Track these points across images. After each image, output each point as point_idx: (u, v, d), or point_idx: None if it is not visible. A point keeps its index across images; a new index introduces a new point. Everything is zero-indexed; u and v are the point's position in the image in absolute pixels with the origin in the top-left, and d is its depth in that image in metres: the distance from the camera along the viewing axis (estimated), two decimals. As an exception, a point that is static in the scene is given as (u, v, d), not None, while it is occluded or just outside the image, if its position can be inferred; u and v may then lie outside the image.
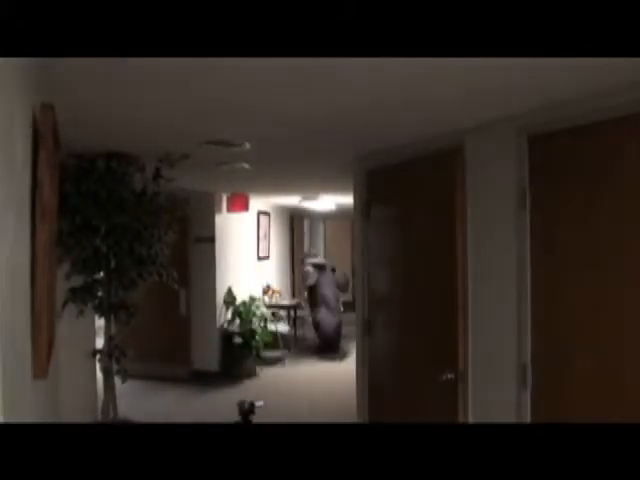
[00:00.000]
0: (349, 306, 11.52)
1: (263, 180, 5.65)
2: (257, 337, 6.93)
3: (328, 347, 8.34)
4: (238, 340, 6.83)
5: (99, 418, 3.95)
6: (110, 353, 3.81)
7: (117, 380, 3.86)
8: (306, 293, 9.51)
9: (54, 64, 1.78)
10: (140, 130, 3.07)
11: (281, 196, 7.94)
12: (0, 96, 1.09)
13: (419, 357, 3.27)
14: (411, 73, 1.99)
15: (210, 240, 6.87)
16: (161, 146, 3.46)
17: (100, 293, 3.75)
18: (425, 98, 2.39)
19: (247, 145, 3.38)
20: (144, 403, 5.72)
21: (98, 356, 3.91)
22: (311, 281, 8.94)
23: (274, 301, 8.51)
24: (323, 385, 6.70)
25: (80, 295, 3.62)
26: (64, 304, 3.51)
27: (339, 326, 8.40)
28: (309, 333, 9.28)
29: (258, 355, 7.00)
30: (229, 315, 7.15)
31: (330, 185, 6.11)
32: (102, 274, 3.74)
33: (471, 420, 2.87)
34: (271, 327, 7.51)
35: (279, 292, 8.91)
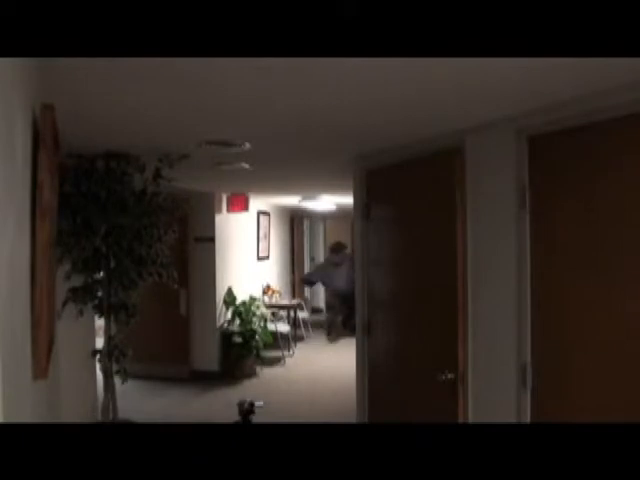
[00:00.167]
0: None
1: (263, 180, 5.65)
2: (257, 337, 6.93)
3: (349, 309, 8.87)
4: (238, 340, 6.83)
5: (99, 418, 3.95)
6: (110, 353, 3.81)
7: (117, 380, 3.86)
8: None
9: (54, 64, 1.78)
10: (140, 130, 3.07)
11: (281, 196, 7.95)
12: (0, 96, 1.09)
13: (419, 357, 3.27)
14: (411, 73, 1.99)
15: (210, 240, 6.87)
16: (161, 146, 3.45)
17: (100, 293, 3.75)
18: (425, 98, 2.39)
19: (247, 145, 3.38)
20: (144, 403, 5.72)
21: (98, 356, 3.91)
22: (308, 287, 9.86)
23: (274, 301, 8.52)
24: (323, 385, 6.70)
25: (80, 295, 3.61)
26: (64, 304, 3.50)
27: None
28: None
29: (258, 355, 7.00)
30: (229, 315, 7.15)
31: (330, 185, 6.11)
32: (102, 274, 3.74)
33: (471, 420, 2.87)
34: (271, 327, 7.51)
35: (279, 292, 8.92)
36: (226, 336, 6.95)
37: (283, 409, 5.28)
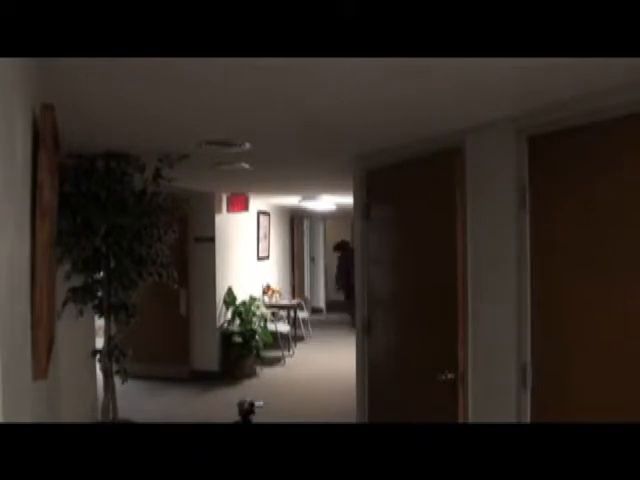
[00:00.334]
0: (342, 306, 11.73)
1: (263, 180, 5.65)
2: (257, 337, 6.93)
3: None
4: (238, 340, 6.83)
5: (99, 418, 3.95)
6: (110, 353, 3.81)
7: (117, 380, 3.86)
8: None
9: (54, 64, 1.78)
10: (140, 130, 3.07)
11: (281, 196, 7.95)
12: (0, 96, 1.09)
13: (419, 357, 3.27)
14: (411, 73, 1.99)
15: (210, 240, 6.87)
16: (161, 146, 3.45)
17: (100, 293, 3.75)
18: (425, 98, 2.39)
19: (247, 145, 3.38)
20: (144, 403, 5.72)
21: (98, 356, 3.91)
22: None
23: (274, 301, 8.52)
24: (323, 385, 6.70)
25: (80, 295, 3.61)
26: (64, 304, 3.50)
27: None
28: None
29: (258, 355, 7.01)
30: (229, 315, 7.15)
31: (330, 185, 6.11)
32: (102, 274, 3.74)
33: (471, 420, 2.87)
34: (271, 327, 7.52)
35: (279, 292, 8.93)
36: (226, 336, 6.95)
37: (283, 409, 5.28)
